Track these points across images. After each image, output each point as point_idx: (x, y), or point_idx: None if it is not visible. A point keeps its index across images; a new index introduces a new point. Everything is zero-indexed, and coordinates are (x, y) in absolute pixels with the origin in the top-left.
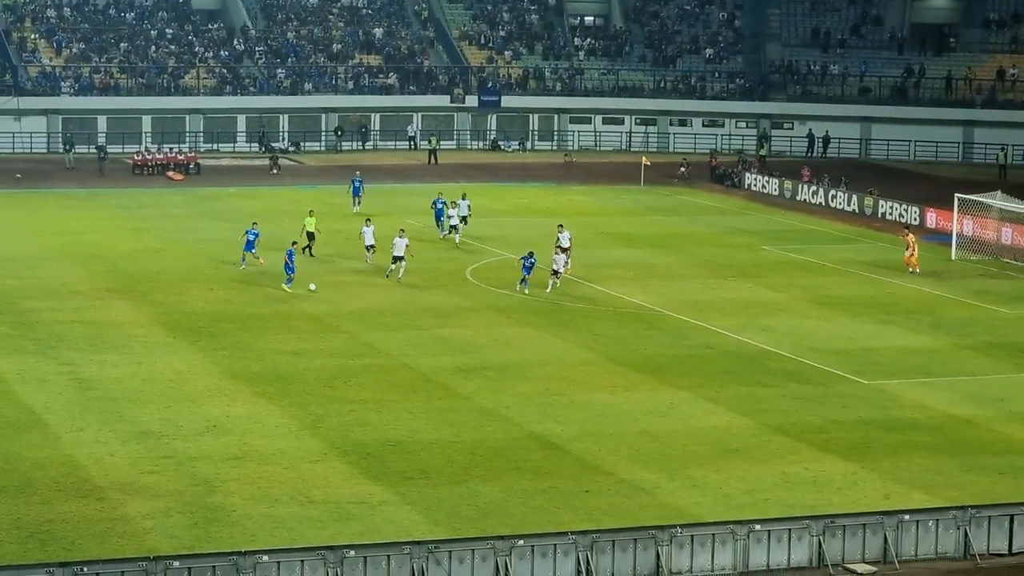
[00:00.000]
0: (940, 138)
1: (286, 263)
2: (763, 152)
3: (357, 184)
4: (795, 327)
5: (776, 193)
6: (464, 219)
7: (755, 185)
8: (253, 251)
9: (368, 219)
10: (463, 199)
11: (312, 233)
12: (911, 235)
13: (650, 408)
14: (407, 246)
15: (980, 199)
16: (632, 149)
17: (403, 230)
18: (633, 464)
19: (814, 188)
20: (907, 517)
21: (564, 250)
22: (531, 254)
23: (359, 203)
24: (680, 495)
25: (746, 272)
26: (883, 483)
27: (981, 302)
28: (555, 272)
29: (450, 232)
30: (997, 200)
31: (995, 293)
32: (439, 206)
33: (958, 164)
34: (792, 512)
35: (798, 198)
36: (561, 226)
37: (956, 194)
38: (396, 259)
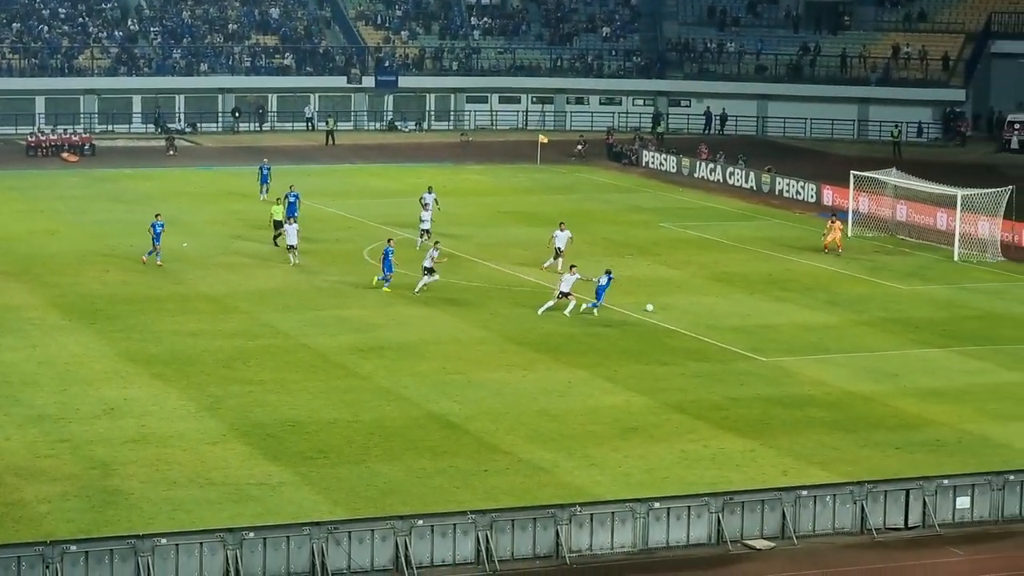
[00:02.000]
0: (835, 116)
1: (384, 259)
2: (660, 130)
3: (265, 172)
4: (693, 305)
5: (674, 171)
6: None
7: (652, 163)
8: (158, 244)
9: (293, 219)
10: (429, 193)
11: (279, 222)
12: (838, 223)
13: (548, 387)
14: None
15: (875, 176)
16: (529, 128)
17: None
18: (532, 443)
19: (711, 165)
20: (805, 493)
21: (559, 253)
22: (608, 272)
23: (267, 190)
24: (579, 474)
25: (644, 250)
26: (781, 459)
27: (877, 278)
28: (564, 294)
29: (424, 236)
30: (892, 177)
31: (890, 269)
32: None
33: (853, 141)
34: (691, 490)
35: (696, 175)
36: (562, 224)
37: (852, 171)
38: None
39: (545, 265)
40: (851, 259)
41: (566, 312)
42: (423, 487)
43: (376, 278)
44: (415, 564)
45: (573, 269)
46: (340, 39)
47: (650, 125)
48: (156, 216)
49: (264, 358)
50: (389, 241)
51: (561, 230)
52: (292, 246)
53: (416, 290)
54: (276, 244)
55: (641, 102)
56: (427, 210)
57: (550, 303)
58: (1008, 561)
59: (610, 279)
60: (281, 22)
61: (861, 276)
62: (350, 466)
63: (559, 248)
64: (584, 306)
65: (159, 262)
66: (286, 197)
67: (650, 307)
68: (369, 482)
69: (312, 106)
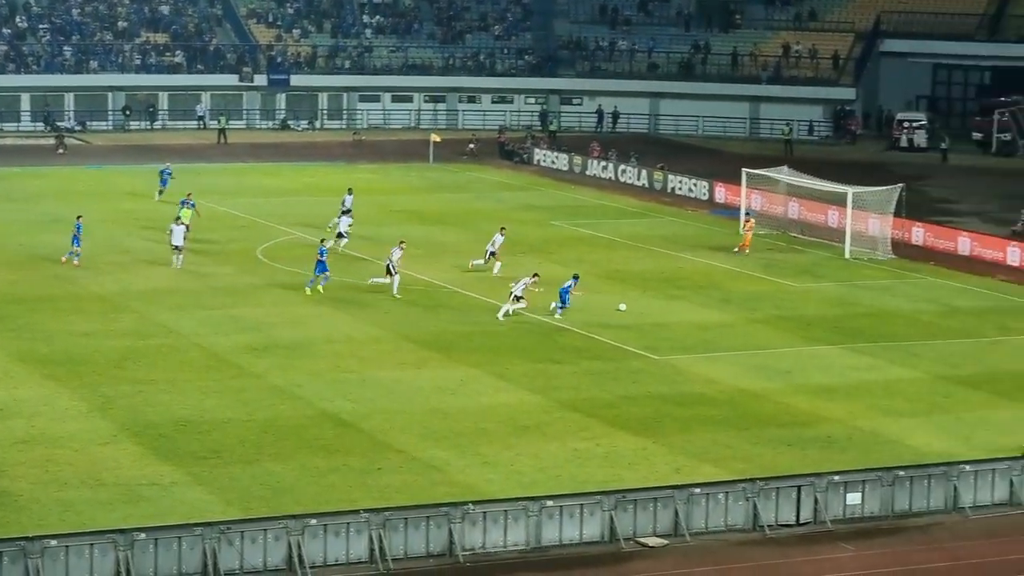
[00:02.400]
0: (727, 113)
1: (318, 261)
2: (553, 128)
3: (167, 176)
4: (586, 303)
5: (565, 169)
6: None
7: (544, 161)
8: (78, 246)
9: (178, 217)
10: (348, 194)
11: (186, 225)
12: (751, 222)
13: (440, 385)
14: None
15: (767, 174)
16: (421, 127)
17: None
18: (424, 441)
19: (603, 163)
20: (697, 490)
21: (492, 254)
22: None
23: (162, 193)
24: (472, 472)
25: (536, 248)
26: (673, 457)
27: (769, 276)
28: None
29: (338, 238)
30: (784, 175)
31: (783, 267)
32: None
33: (745, 139)
34: (584, 488)
35: (588, 173)
36: (503, 229)
37: (744, 169)
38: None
39: (473, 263)
40: (744, 257)
41: (499, 315)
42: (316, 486)
43: (308, 285)
44: (308, 564)
45: (536, 277)
46: (231, 37)
47: (539, 124)
48: (78, 217)
49: (156, 358)
50: (323, 242)
51: (500, 234)
52: (177, 247)
53: (501, 315)
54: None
55: (533, 100)
56: (348, 214)
57: (508, 307)
58: (898, 556)
59: (575, 281)
60: (171, 19)
61: (754, 274)
62: (243, 465)
63: (493, 251)
64: (555, 305)
65: (76, 263)
66: (161, 172)
67: (623, 306)
68: (262, 481)
69: (204, 104)
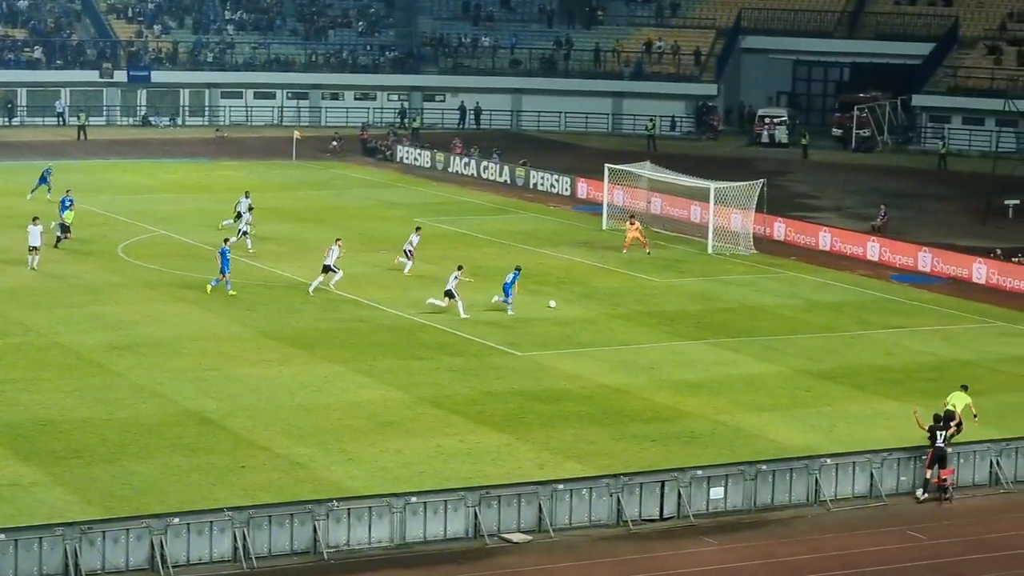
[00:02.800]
0: (590, 109)
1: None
2: (415, 125)
3: (47, 175)
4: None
5: (428, 166)
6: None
7: (407, 158)
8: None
9: (36, 218)
10: (245, 197)
11: (67, 226)
12: (636, 223)
13: (304, 382)
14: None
15: (629, 169)
16: (284, 123)
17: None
18: (288, 438)
19: (466, 160)
20: (561, 486)
21: (408, 253)
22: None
23: (33, 194)
24: (336, 469)
25: (399, 245)
26: (537, 453)
27: (631, 271)
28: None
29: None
30: (646, 170)
31: (645, 262)
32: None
33: (607, 135)
34: (447, 484)
35: (450, 170)
36: (419, 228)
37: (606, 164)
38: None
39: (398, 260)
40: (605, 252)
41: (429, 301)
42: (179, 485)
43: (210, 284)
44: (171, 563)
45: (460, 269)
46: (91, 32)
47: (399, 121)
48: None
49: (15, 357)
50: (226, 241)
51: (416, 233)
52: (34, 247)
53: (427, 302)
54: (56, 246)
55: (396, 98)
56: (249, 212)
57: (436, 301)
58: (760, 550)
59: (517, 274)
60: (30, 14)
61: (616, 269)
62: (104, 465)
63: (410, 250)
64: (496, 298)
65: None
66: (61, 201)
67: (552, 303)
68: (124, 481)
69: (63, 100)
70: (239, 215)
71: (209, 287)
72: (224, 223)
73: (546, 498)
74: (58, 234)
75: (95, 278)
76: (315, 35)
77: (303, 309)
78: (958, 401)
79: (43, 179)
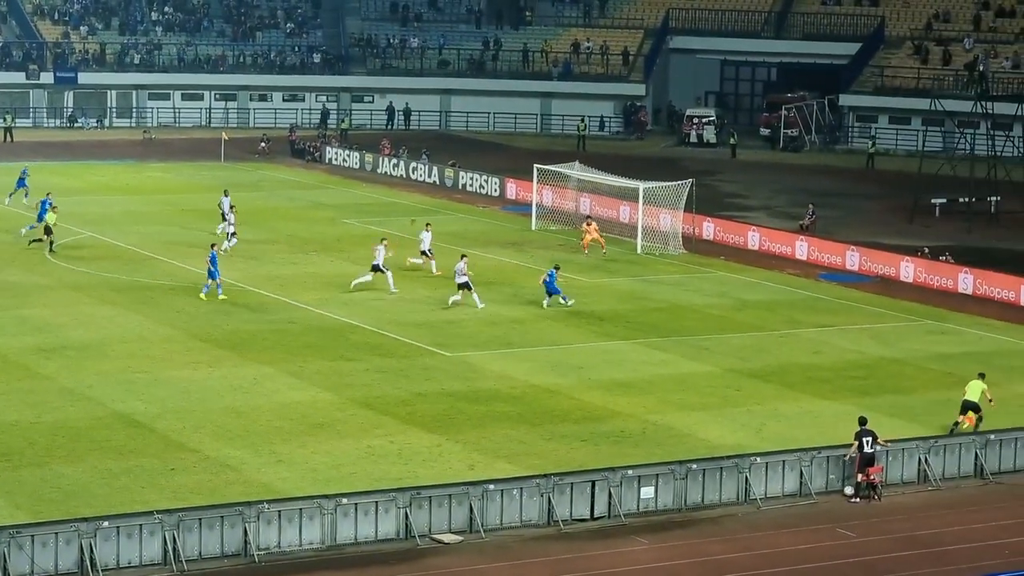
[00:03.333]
0: (518, 110)
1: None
2: (343, 126)
3: (24, 179)
4: (377, 300)
5: (357, 167)
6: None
7: (336, 159)
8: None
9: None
10: (225, 196)
11: (50, 228)
12: (593, 224)
13: (234, 384)
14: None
15: (558, 169)
16: (212, 125)
17: None
18: (218, 441)
19: (394, 161)
20: (491, 487)
21: (423, 254)
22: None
23: (11, 197)
24: (266, 471)
25: (328, 246)
26: (467, 454)
27: (561, 271)
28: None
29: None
30: (575, 170)
31: (574, 263)
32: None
33: (536, 135)
34: (378, 485)
35: (379, 171)
36: (428, 225)
37: (535, 165)
38: None
39: (411, 260)
40: (535, 252)
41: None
42: (108, 488)
43: (202, 291)
44: (100, 567)
45: (464, 259)
46: (17, 33)
47: (331, 122)
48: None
49: None
50: (212, 247)
51: (427, 230)
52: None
53: (450, 303)
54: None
55: (324, 98)
56: (232, 211)
57: (456, 296)
58: (691, 548)
59: (554, 272)
60: None
61: (545, 269)
62: (32, 468)
63: (427, 250)
64: (562, 301)
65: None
66: (41, 203)
67: (453, 300)
68: (52, 484)
69: None
70: (223, 216)
71: (202, 294)
72: (222, 227)
73: (477, 498)
74: (44, 237)
75: (22, 280)
76: (243, 36)
77: (232, 311)
78: (975, 389)
79: (21, 182)
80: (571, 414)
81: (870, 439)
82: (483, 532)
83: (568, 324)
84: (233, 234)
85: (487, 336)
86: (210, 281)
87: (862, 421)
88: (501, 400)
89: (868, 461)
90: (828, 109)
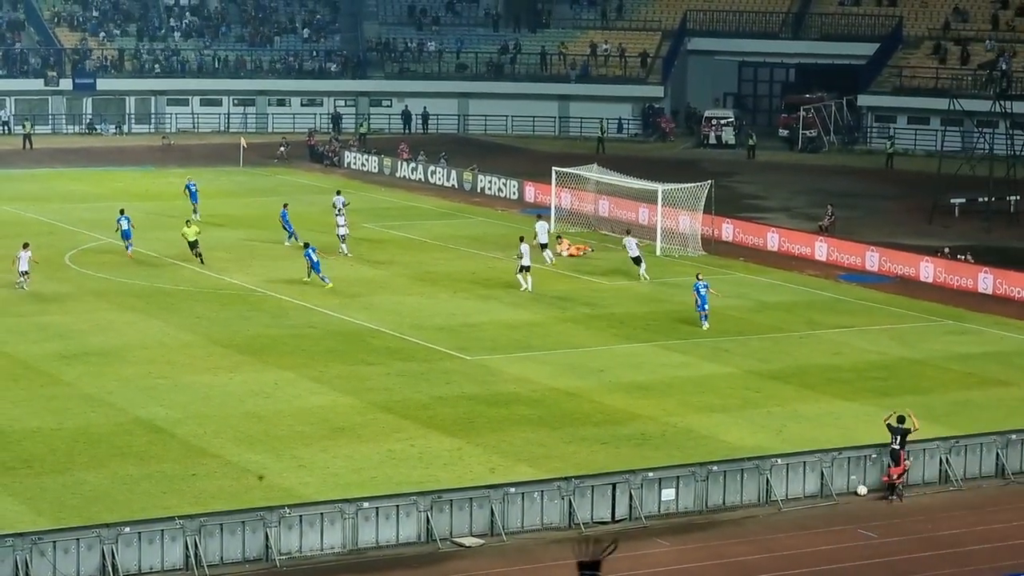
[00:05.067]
0: (536, 113)
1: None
2: (363, 130)
3: (193, 190)
4: (397, 304)
5: (376, 171)
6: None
7: (355, 163)
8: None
9: (26, 244)
10: (338, 195)
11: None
12: (564, 240)
13: (255, 389)
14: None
15: (577, 172)
16: (231, 130)
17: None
18: (239, 446)
19: (413, 165)
20: (512, 490)
21: (543, 246)
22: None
23: (196, 210)
24: (287, 475)
25: (348, 250)
26: (488, 457)
27: (580, 274)
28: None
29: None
30: (593, 173)
31: (593, 265)
32: (192, 189)
33: (555, 138)
34: (399, 489)
35: (397, 175)
36: (539, 216)
37: (553, 167)
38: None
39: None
40: (555, 255)
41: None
42: (130, 494)
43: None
44: (123, 572)
45: (630, 232)
46: (35, 40)
47: (345, 126)
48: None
49: None
50: (306, 246)
51: (539, 219)
52: (24, 272)
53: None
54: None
55: (343, 103)
56: (340, 215)
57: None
58: (712, 550)
59: (700, 288)
60: None
61: (565, 272)
62: (54, 475)
63: (543, 243)
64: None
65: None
66: (187, 187)
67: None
68: (74, 491)
69: (8, 109)
70: (339, 211)
71: (327, 285)
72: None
73: (498, 502)
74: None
75: (42, 287)
76: (261, 41)
77: (252, 316)
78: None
79: (193, 196)
80: (591, 417)
81: (899, 438)
82: (504, 535)
83: (587, 327)
84: (343, 237)
85: (506, 339)
86: (315, 274)
87: (899, 419)
88: (521, 403)
89: (894, 459)
90: (847, 110)
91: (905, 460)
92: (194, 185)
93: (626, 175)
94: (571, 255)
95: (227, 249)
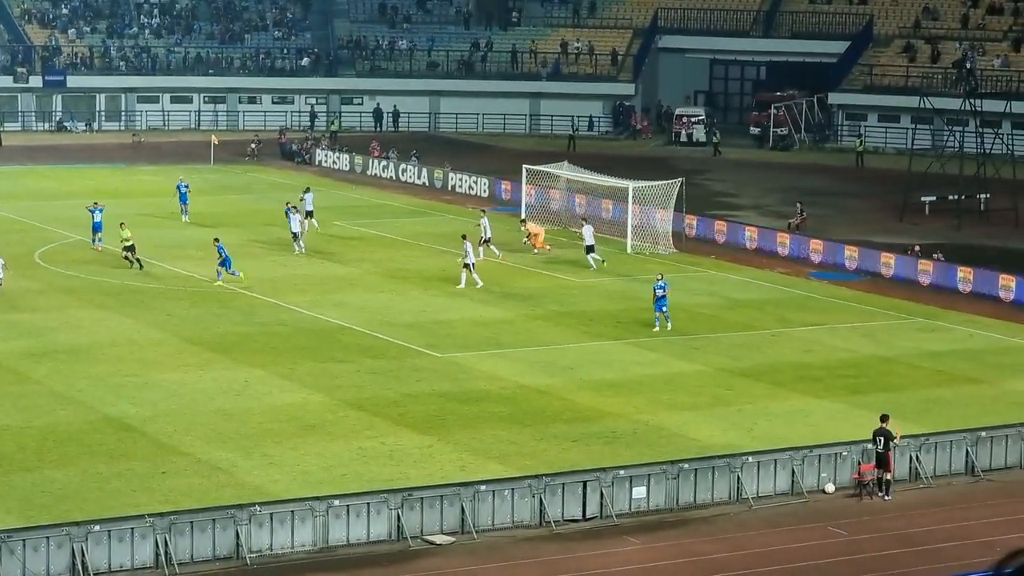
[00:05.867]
0: (508, 110)
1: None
2: (334, 128)
3: (183, 191)
4: (368, 302)
5: (347, 168)
6: (309, 213)
7: (326, 161)
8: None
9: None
10: (307, 192)
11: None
12: (530, 224)
13: (225, 387)
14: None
15: (548, 170)
16: (202, 128)
17: None
18: (209, 444)
19: (384, 163)
20: (483, 487)
21: (487, 241)
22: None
23: (186, 211)
24: (257, 473)
25: (318, 248)
26: (458, 455)
27: (550, 272)
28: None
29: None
30: (564, 171)
31: (564, 262)
32: (183, 190)
33: (526, 136)
34: (370, 486)
35: (369, 173)
36: (484, 211)
37: (524, 165)
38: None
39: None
40: (525, 253)
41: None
42: (99, 492)
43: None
44: (92, 570)
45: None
46: (4, 38)
47: (319, 124)
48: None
49: None
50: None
51: (483, 216)
52: None
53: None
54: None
55: (314, 100)
56: (297, 214)
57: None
58: (683, 548)
59: (658, 288)
60: None
61: (535, 270)
62: (23, 473)
63: (487, 238)
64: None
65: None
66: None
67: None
68: (43, 489)
69: None
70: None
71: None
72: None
73: (468, 499)
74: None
75: (12, 285)
76: (231, 39)
77: (223, 314)
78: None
79: (183, 197)
80: (562, 414)
81: (883, 439)
82: (475, 533)
83: (558, 324)
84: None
85: (477, 337)
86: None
87: (882, 419)
88: (492, 401)
89: (879, 461)
90: (817, 107)
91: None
92: (186, 186)
93: (597, 172)
94: (535, 244)
95: (198, 247)
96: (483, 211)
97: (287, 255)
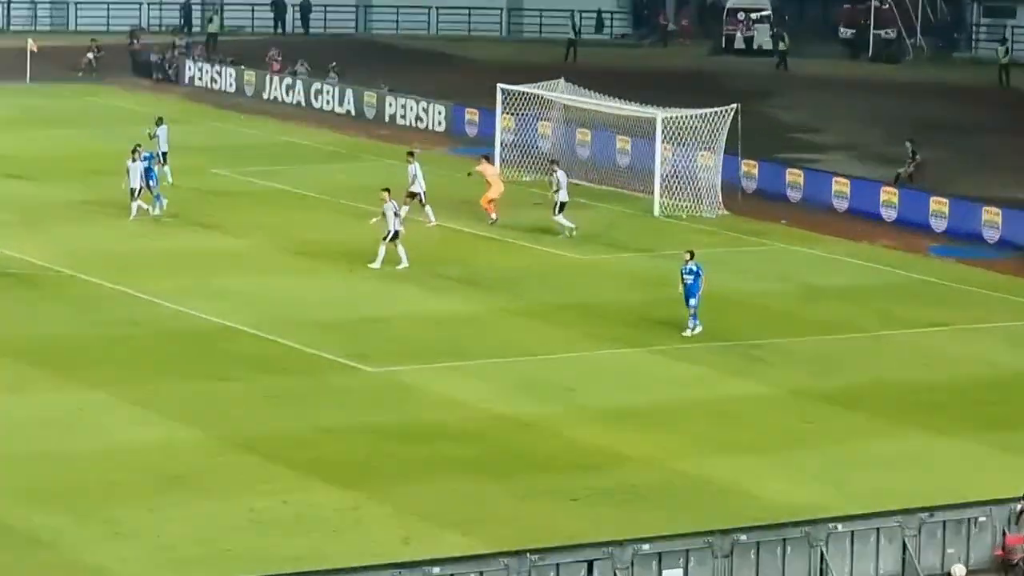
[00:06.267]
0: (474, 3)
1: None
2: (212, 28)
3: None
4: (262, 289)
5: (232, 90)
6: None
7: (201, 78)
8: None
9: None
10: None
11: None
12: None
13: (49, 417)
14: None
15: (535, 91)
16: (12, 29)
17: None
18: (25, 504)
19: (288, 81)
20: (436, 571)
21: (413, 195)
22: None
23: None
24: (97, 549)
25: (191, 209)
26: (400, 520)
27: (538, 244)
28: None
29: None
30: (560, 93)
31: (559, 230)
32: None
33: (501, 41)
34: (265, 569)
35: (265, 96)
36: (411, 154)
37: (499, 85)
38: None
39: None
40: (501, 215)
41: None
42: None
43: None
44: None
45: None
46: None
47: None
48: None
49: None
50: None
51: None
52: None
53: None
54: None
55: None
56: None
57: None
58: None
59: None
60: None
61: (515, 241)
62: None
63: (414, 191)
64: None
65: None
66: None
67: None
68: None
69: None
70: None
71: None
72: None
73: None
74: None
75: None
76: None
77: (46, 309)
78: None
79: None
80: (556, 459)
81: None
82: None
83: (550, 322)
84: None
85: (428, 341)
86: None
87: None
88: (450, 438)
89: None
90: (942, 0)
91: None
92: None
93: (609, 96)
94: (484, 204)
95: (7, 207)
96: (411, 152)
97: (142, 221)
